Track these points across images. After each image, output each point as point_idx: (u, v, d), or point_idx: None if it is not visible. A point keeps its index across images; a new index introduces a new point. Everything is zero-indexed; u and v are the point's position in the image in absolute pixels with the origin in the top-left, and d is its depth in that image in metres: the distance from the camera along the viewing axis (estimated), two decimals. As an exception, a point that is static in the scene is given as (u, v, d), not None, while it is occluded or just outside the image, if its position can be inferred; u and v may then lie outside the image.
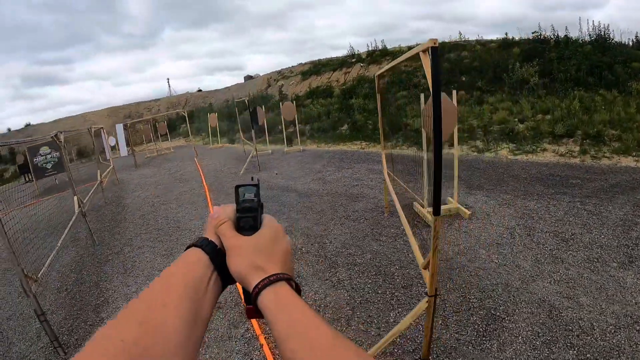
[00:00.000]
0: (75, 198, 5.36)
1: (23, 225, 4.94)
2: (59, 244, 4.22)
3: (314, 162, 9.54)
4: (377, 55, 18.31)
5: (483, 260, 3.60)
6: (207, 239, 0.48)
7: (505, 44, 14.29)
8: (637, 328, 2.46)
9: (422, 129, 4.90)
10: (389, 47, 18.84)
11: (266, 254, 0.46)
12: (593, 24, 16.43)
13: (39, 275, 3.22)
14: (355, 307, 3.12)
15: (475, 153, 8.38)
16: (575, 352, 2.33)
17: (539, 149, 7.81)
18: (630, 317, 2.57)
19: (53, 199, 9.29)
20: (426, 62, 1.88)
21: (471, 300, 2.99)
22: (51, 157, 11.81)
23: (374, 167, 7.94)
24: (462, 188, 5.69)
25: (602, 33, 12.09)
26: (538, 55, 11.91)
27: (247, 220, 0.50)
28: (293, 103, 12.66)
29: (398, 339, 2.60)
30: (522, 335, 2.53)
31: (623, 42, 12.33)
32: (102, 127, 16.00)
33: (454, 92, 4.63)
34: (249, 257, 0.46)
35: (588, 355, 2.29)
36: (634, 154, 6.63)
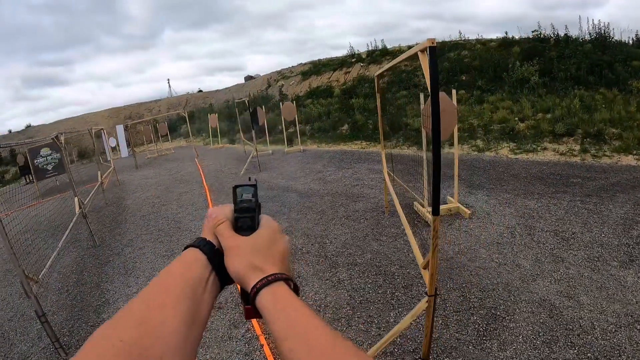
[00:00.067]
0: (76, 199, 5.37)
1: (24, 227, 4.96)
2: (59, 245, 4.24)
3: (315, 162, 9.54)
4: (377, 55, 18.29)
5: (483, 259, 3.60)
6: (205, 239, 0.48)
7: (506, 43, 14.27)
8: (638, 327, 2.46)
9: (422, 129, 4.90)
10: (389, 46, 18.84)
11: (264, 254, 0.46)
12: (593, 22, 16.40)
13: (40, 276, 3.23)
14: (356, 306, 3.12)
15: (476, 152, 8.38)
16: (575, 351, 2.33)
17: (539, 148, 7.80)
18: (631, 316, 2.56)
19: (54, 200, 9.32)
20: (424, 62, 1.88)
21: (471, 300, 2.99)
22: (52, 159, 11.82)
23: (374, 167, 7.94)
24: (462, 187, 5.69)
25: (602, 32, 12.08)
26: (538, 54, 11.90)
27: (245, 220, 0.50)
28: (293, 103, 12.67)
29: (398, 339, 2.61)
30: (522, 335, 2.53)
31: (623, 41, 12.34)
32: (102, 128, 16.04)
33: (454, 91, 4.64)
34: (247, 257, 0.46)
35: (589, 355, 2.29)
36: (635, 152, 6.62)
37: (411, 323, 2.39)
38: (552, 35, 13.15)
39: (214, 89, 32.36)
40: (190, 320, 0.39)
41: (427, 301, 2.16)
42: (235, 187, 0.52)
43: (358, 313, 3.03)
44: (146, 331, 0.36)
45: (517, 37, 14.57)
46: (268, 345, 2.75)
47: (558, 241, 3.78)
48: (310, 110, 15.94)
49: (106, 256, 5.08)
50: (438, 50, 1.76)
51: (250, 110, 10.76)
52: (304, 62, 23.91)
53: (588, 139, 7.57)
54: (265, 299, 0.42)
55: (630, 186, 5.11)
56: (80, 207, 5.31)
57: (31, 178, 12.95)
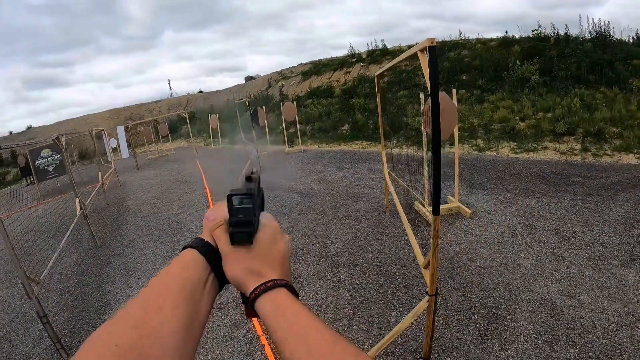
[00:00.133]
0: (77, 200, 5.38)
1: (25, 228, 4.97)
2: (61, 246, 4.24)
3: (315, 162, 9.54)
4: (378, 54, 18.29)
5: (484, 259, 3.60)
6: (203, 239, 0.48)
7: (506, 42, 14.25)
8: (639, 326, 2.45)
9: (423, 128, 4.90)
10: (389, 46, 18.82)
11: (263, 256, 0.46)
12: (593, 21, 16.36)
13: (41, 277, 3.24)
14: (357, 306, 3.12)
15: (476, 152, 8.37)
16: (577, 350, 2.33)
17: (540, 147, 7.79)
18: (632, 315, 2.56)
19: (55, 201, 9.34)
20: (424, 61, 1.88)
21: (472, 299, 2.98)
22: (53, 160, 11.83)
23: (374, 167, 7.93)
24: (463, 187, 5.69)
25: (603, 30, 12.04)
26: (538, 53, 11.89)
27: (242, 235, 0.45)
28: (294, 103, 12.67)
29: (399, 339, 2.60)
30: (523, 334, 2.53)
31: (623, 40, 12.31)
32: (103, 129, 16.06)
33: (454, 90, 4.63)
34: (245, 261, 0.45)
35: (590, 354, 2.28)
36: (635, 151, 6.61)
37: (412, 323, 2.39)
38: (552, 34, 13.13)
39: (214, 89, 32.36)
40: (189, 322, 0.39)
41: (428, 301, 2.16)
42: (230, 196, 0.46)
43: (359, 313, 3.03)
44: (143, 334, 0.35)
45: (517, 37, 14.55)
46: (269, 345, 2.75)
47: (559, 240, 3.77)
48: (311, 110, 15.95)
49: (107, 257, 5.09)
50: (438, 50, 1.77)
51: (251, 111, 10.77)
52: (304, 62, 23.91)
53: (589, 138, 7.56)
54: (264, 306, 0.42)
55: (631, 185, 5.10)
56: (81, 208, 5.32)
57: (32, 179, 12.96)
